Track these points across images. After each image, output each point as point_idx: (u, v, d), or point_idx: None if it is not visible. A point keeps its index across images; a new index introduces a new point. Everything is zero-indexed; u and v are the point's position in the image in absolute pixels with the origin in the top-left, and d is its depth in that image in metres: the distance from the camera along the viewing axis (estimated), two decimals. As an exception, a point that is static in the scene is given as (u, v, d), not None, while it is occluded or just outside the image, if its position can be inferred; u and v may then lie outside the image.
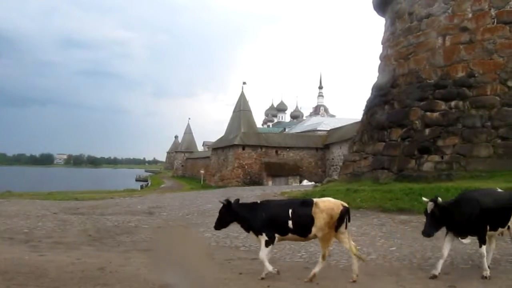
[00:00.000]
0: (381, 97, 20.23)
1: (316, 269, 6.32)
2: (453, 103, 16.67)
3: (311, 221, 6.20)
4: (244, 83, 50.75)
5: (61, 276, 6.72)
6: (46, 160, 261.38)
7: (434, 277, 6.36)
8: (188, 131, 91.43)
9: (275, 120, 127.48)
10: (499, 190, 7.26)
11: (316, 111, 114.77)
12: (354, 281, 6.28)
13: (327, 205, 6.31)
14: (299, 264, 7.65)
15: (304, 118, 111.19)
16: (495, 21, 16.50)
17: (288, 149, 46.90)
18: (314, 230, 6.23)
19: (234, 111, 49.77)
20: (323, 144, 47.43)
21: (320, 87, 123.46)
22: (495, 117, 15.64)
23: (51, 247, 9.11)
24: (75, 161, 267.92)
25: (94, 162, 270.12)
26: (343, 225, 6.32)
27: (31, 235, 10.71)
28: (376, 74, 22.60)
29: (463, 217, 6.35)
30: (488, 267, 6.48)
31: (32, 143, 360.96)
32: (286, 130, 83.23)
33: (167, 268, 5.16)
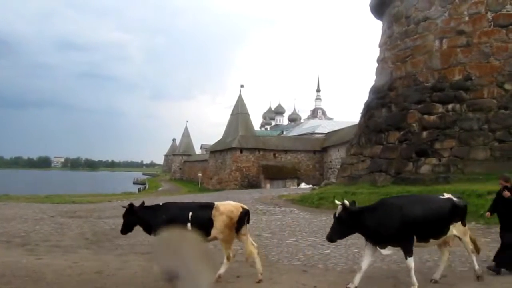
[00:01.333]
0: (378, 100, 20.27)
1: (221, 270, 6.48)
2: (450, 106, 16.72)
3: (210, 223, 6.43)
4: (242, 86, 50.71)
5: (59, 279, 6.71)
6: (43, 163, 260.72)
7: None
8: (186, 134, 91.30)
9: (273, 123, 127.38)
10: (444, 196, 6.53)
11: (314, 114, 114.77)
12: (259, 281, 6.44)
13: (227, 207, 6.55)
14: (297, 267, 7.64)
15: (302, 121, 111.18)
16: (492, 25, 16.57)
17: (286, 152, 46.87)
18: (213, 232, 6.45)
19: (232, 114, 49.74)
20: (321, 147, 47.42)
21: (318, 90, 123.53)
22: (492, 120, 15.68)
23: (48, 251, 9.09)
24: (73, 164, 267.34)
25: (91, 165, 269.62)
26: (244, 227, 6.60)
27: (28, 238, 10.69)
28: (374, 77, 22.67)
29: (379, 225, 5.86)
30: (444, 276, 6.44)
31: (29, 146, 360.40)
32: (284, 133, 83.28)
33: (166, 270, 5.16)
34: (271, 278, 6.73)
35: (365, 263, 6.04)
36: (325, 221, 12.88)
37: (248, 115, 49.33)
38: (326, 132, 54.15)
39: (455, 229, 6.31)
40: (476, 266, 6.44)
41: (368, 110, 21.12)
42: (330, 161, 45.11)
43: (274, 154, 46.28)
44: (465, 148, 15.80)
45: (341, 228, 6.04)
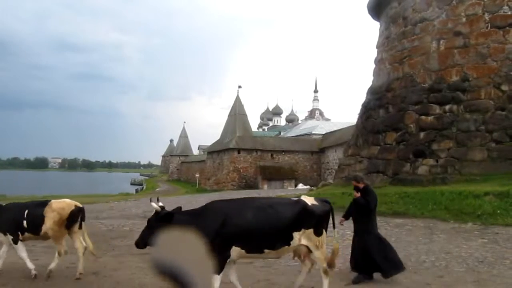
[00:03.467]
0: (376, 101, 20.29)
1: (52, 266, 6.72)
2: (447, 107, 16.75)
3: (42, 220, 6.62)
4: (239, 86, 50.69)
5: (56, 280, 6.68)
6: (40, 164, 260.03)
7: None
8: (184, 135, 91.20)
9: (271, 123, 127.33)
10: (295, 199, 5.77)
11: (312, 115, 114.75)
12: (78, 279, 6.65)
13: (59, 205, 6.75)
14: (294, 268, 7.62)
15: (299, 122, 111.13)
16: (489, 26, 16.62)
17: (283, 153, 46.86)
18: (44, 228, 6.64)
19: (229, 115, 49.70)
20: (318, 148, 47.43)
21: (316, 91, 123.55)
22: (489, 121, 15.72)
23: (45, 251, 9.05)
24: (70, 165, 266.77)
25: (89, 166, 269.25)
26: (76, 225, 6.87)
27: (25, 239, 10.63)
28: (371, 78, 22.69)
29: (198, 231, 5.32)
30: None
31: (26, 147, 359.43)
32: (282, 133, 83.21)
33: (164, 271, 5.14)
34: (269, 279, 6.73)
35: (233, 277, 5.58)
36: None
37: (246, 115, 49.31)
38: (323, 133, 54.15)
39: (303, 238, 5.41)
40: None
41: (366, 111, 21.14)
42: (328, 162, 45.12)
43: (272, 155, 46.27)
44: (462, 149, 15.83)
45: (151, 233, 5.28)
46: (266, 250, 5.31)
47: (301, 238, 5.40)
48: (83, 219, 6.99)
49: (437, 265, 7.46)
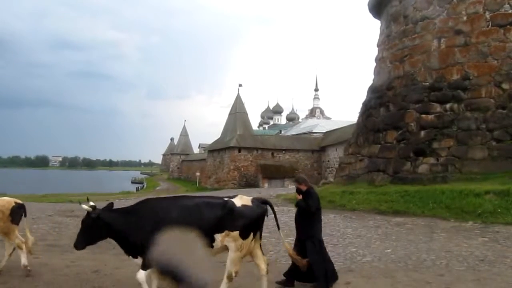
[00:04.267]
0: (376, 99, 20.28)
1: (3, 261, 6.89)
2: (448, 106, 16.73)
3: None
4: (240, 85, 50.75)
5: (56, 279, 6.70)
6: (41, 162, 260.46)
7: None
8: (184, 133, 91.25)
9: (271, 122, 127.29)
10: (226, 199, 5.53)
11: (312, 113, 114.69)
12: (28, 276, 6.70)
13: (0, 203, 6.81)
14: (295, 266, 7.63)
15: (300, 120, 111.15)
16: (490, 24, 16.58)
17: (284, 151, 46.89)
18: None
19: (230, 113, 49.72)
20: (319, 146, 47.45)
21: (316, 89, 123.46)
22: (490, 120, 15.70)
23: (46, 250, 9.06)
24: (71, 163, 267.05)
25: (89, 164, 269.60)
26: (18, 221, 6.90)
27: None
28: (372, 76, 22.67)
29: (130, 232, 5.25)
30: None
31: (27, 145, 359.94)
32: (282, 132, 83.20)
33: (166, 271, 5.16)
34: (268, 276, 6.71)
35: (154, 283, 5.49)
36: (323, 220, 12.87)
37: (246, 114, 49.35)
38: (324, 131, 54.18)
39: (227, 240, 5.29)
40: None
41: (366, 110, 21.13)
42: (328, 161, 45.15)
43: (272, 154, 46.31)
44: (463, 148, 15.82)
45: (86, 234, 5.37)
46: None
47: (224, 240, 5.28)
48: (25, 215, 7.10)
49: (438, 264, 7.46)
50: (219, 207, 5.34)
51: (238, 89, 50.17)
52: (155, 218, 5.20)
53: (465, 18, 17.07)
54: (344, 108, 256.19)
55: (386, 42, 20.94)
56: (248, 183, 43.42)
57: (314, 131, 60.90)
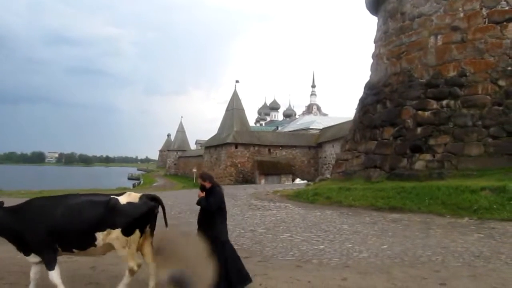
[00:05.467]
0: (373, 96, 20.30)
1: None
2: (444, 102, 16.76)
3: None
4: (237, 81, 50.67)
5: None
6: (37, 158, 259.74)
7: None
8: (181, 130, 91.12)
9: (268, 118, 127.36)
10: (113, 196, 5.46)
11: (309, 109, 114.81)
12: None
13: None
14: (291, 262, 7.66)
15: (297, 116, 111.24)
16: (486, 21, 16.61)
17: (281, 148, 46.90)
18: None
19: (227, 110, 49.67)
20: (315, 142, 47.49)
21: (313, 86, 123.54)
22: (486, 116, 15.75)
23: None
24: (67, 160, 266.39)
25: (86, 160, 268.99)
26: None
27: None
28: (369, 73, 22.69)
29: (21, 230, 5.20)
30: None
31: (23, 141, 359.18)
32: (279, 128, 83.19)
33: (166, 268, 5.18)
34: (266, 273, 6.74)
35: (32, 271, 5.45)
36: (320, 216, 12.93)
37: (243, 110, 49.30)
38: (321, 127, 54.22)
39: (110, 238, 5.23)
40: None
41: (363, 106, 21.15)
42: (325, 157, 45.20)
43: (269, 150, 46.31)
44: (459, 144, 15.86)
45: None
46: (75, 250, 5.33)
47: (107, 238, 5.23)
48: None
49: (434, 260, 7.49)
50: (102, 205, 5.27)
51: (235, 85, 50.15)
52: (40, 217, 5.19)
53: (462, 14, 17.09)
54: (341, 104, 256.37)
55: (383, 38, 20.95)
56: (245, 179, 43.44)
57: (311, 127, 60.99)
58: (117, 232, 5.21)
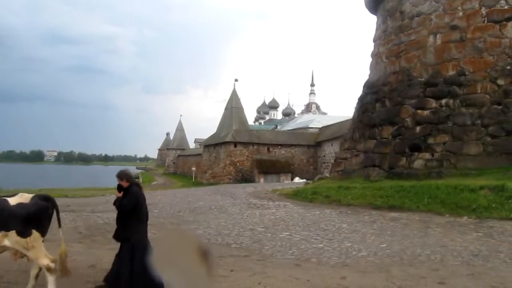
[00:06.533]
0: (372, 94, 20.30)
1: None
2: (443, 101, 16.77)
3: None
4: (236, 80, 50.62)
5: (52, 273, 6.67)
6: (36, 157, 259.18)
7: None
8: (180, 128, 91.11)
9: (267, 117, 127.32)
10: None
11: (308, 108, 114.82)
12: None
13: None
14: (290, 261, 7.67)
15: (296, 115, 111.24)
16: (486, 20, 16.62)
17: (279, 147, 46.88)
18: None
19: (226, 108, 49.62)
20: (314, 141, 47.48)
21: (312, 85, 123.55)
22: (485, 115, 15.76)
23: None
24: (66, 158, 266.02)
25: (85, 159, 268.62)
26: None
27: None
28: (368, 71, 22.69)
29: None
30: None
31: (21, 140, 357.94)
32: (278, 127, 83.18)
33: (164, 267, 5.17)
34: (265, 272, 6.75)
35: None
36: (319, 215, 12.94)
37: (242, 109, 49.26)
38: (320, 126, 54.21)
39: (6, 240, 5.21)
40: None
41: (362, 105, 21.15)
42: (324, 156, 45.20)
43: (268, 149, 46.28)
44: (458, 143, 15.88)
45: None
46: None
47: (3, 240, 5.18)
48: None
49: (432, 259, 7.50)
50: None
51: (234, 84, 50.10)
52: None
53: (461, 13, 17.09)
54: (340, 103, 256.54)
55: (382, 37, 20.94)
56: (244, 178, 43.41)
57: (310, 126, 60.97)
58: (13, 235, 5.17)
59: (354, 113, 22.87)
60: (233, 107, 47.91)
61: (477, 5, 16.79)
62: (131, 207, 5.60)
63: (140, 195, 5.76)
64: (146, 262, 5.32)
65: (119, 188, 5.71)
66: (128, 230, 5.62)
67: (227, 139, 44.67)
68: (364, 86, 22.23)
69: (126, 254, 5.51)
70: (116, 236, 5.83)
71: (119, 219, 5.77)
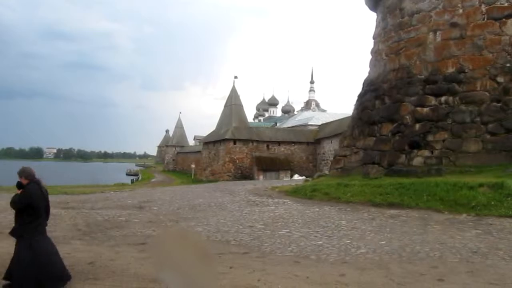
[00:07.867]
0: (372, 92, 20.29)
1: None
2: (443, 99, 16.77)
3: None
4: (235, 77, 50.61)
5: (51, 270, 6.67)
6: (35, 154, 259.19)
7: None
8: (179, 125, 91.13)
9: (267, 114, 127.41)
10: None
11: (308, 105, 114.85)
12: None
13: None
14: (289, 258, 7.67)
15: (295, 112, 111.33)
16: (485, 17, 16.60)
17: (279, 144, 46.92)
18: None
19: (225, 105, 49.63)
20: (314, 138, 47.52)
21: (312, 82, 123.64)
22: (485, 113, 15.77)
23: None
24: (65, 155, 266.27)
25: (84, 156, 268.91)
26: None
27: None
28: (368, 69, 22.67)
29: None
30: None
31: (21, 137, 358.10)
32: (278, 124, 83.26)
33: (164, 266, 5.17)
34: (264, 269, 6.75)
35: None
36: (318, 212, 12.95)
37: (242, 106, 49.28)
38: (319, 123, 54.28)
39: None
40: None
41: (362, 102, 21.14)
42: (323, 153, 45.24)
43: (268, 146, 46.33)
44: (457, 141, 15.89)
45: None
46: None
47: None
48: None
49: (431, 256, 7.51)
50: None
51: (234, 81, 50.10)
52: None
53: (461, 11, 17.07)
54: (339, 100, 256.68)
55: (382, 34, 20.92)
56: (243, 175, 43.45)
57: (309, 123, 61.00)
58: None
59: (354, 110, 22.86)
60: (233, 104, 47.92)
61: (477, 3, 16.77)
62: (23, 205, 5.65)
63: (35, 193, 5.74)
64: (44, 257, 5.69)
65: (18, 185, 5.74)
66: (22, 228, 5.71)
67: (227, 136, 44.68)
68: (363, 84, 22.22)
69: (22, 249, 5.62)
70: (12, 233, 5.90)
71: (15, 216, 5.81)
